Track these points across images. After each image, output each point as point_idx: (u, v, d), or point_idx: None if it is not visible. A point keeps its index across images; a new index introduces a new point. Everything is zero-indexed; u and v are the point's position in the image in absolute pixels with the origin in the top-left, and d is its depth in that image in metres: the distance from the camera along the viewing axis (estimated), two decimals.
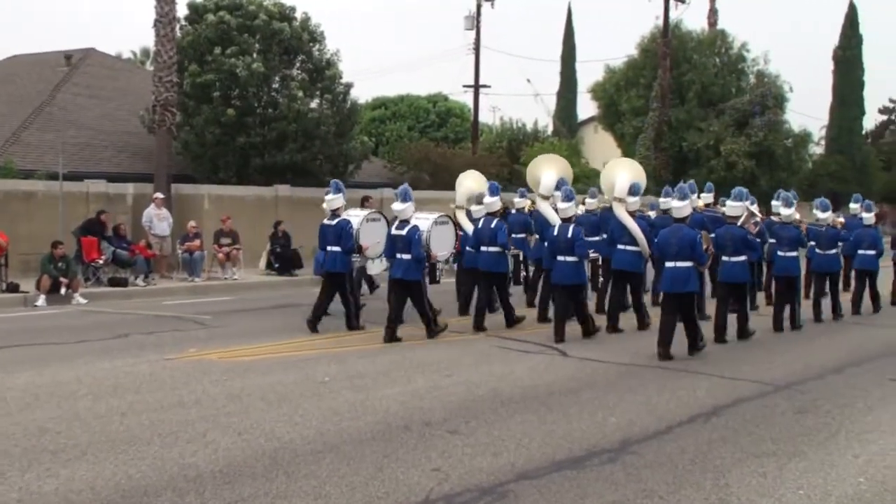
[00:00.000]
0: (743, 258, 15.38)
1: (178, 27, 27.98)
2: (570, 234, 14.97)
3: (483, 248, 16.47)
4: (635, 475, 7.71)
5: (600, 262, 18.09)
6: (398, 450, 8.30)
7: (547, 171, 18.11)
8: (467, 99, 51.64)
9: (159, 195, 24.60)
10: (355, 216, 16.66)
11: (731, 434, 9.08)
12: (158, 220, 24.08)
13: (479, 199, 17.74)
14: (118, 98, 34.73)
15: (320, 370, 12.06)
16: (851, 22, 55.59)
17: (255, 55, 29.04)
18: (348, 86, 31.38)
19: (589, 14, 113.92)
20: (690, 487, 7.43)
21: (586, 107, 59.67)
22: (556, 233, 15.32)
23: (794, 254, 17.03)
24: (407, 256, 14.94)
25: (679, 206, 14.08)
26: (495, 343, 14.63)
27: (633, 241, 16.23)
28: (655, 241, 14.68)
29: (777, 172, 43.71)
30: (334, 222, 15.97)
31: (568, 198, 15.46)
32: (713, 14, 50.71)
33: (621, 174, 17.10)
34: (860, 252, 19.38)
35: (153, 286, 22.33)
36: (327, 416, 9.52)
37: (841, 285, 19.47)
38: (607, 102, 49.31)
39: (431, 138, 46.00)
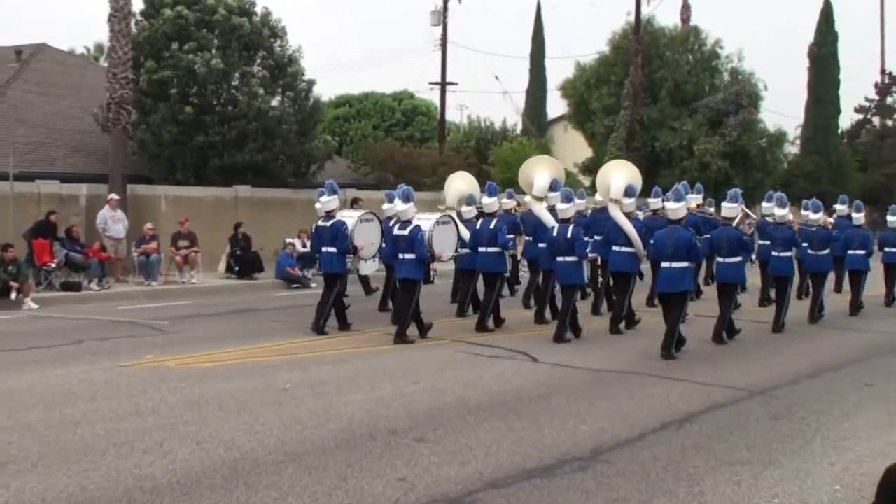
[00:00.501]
0: (738, 259, 15.88)
1: (133, 22, 27.81)
2: (569, 235, 15.58)
3: (482, 249, 16.98)
4: (607, 483, 7.73)
5: (599, 263, 18.58)
6: (362, 459, 8.28)
7: (540, 172, 18.65)
8: (434, 97, 51.44)
9: (114, 196, 24.42)
10: (349, 217, 17.06)
11: (705, 441, 9.13)
12: (113, 221, 23.91)
13: (468, 201, 18.39)
14: (71, 95, 34.49)
15: (282, 377, 12.02)
16: (827, 18, 56.00)
17: (213, 51, 28.91)
18: (310, 83, 31.33)
19: (559, 9, 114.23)
20: (663, 496, 7.47)
21: (556, 105, 59.80)
22: (555, 233, 15.92)
23: (788, 254, 17.60)
24: (410, 256, 15.42)
25: (674, 208, 14.67)
26: (463, 348, 14.64)
27: (629, 243, 16.64)
28: (651, 242, 15.14)
29: (752, 173, 44.01)
30: (329, 223, 16.42)
31: (567, 199, 16.14)
32: (686, 10, 50.94)
33: (617, 176, 17.49)
34: (850, 253, 20.08)
35: (108, 290, 22.17)
36: (289, 424, 9.49)
37: (832, 286, 20.04)
38: (578, 100, 49.45)
39: (397, 137, 45.99)
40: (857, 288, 20.23)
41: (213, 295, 22.93)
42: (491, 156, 47.09)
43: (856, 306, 20.00)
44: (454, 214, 18.58)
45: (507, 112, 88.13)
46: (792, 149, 56.95)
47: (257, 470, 7.93)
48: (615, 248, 16.78)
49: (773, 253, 17.81)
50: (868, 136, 63.48)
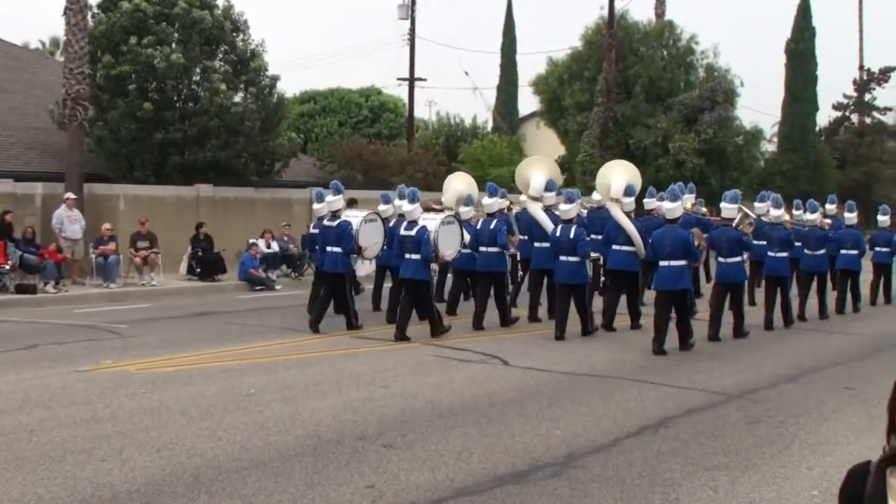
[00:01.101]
0: (739, 259, 16.73)
1: (90, 15, 27.68)
2: (572, 235, 16.28)
3: (482, 249, 17.73)
4: (581, 490, 7.75)
5: (601, 262, 19.25)
6: (329, 466, 8.27)
7: (536, 172, 19.31)
8: (402, 93, 51.38)
9: (71, 195, 24.28)
10: (354, 217, 17.68)
11: (681, 446, 9.17)
12: (70, 222, 23.78)
13: (466, 202, 19.02)
14: (25, 91, 34.25)
15: (246, 381, 11.99)
16: (804, 13, 56.34)
17: (173, 45, 28.75)
18: (274, 78, 31.27)
19: (530, 3, 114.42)
20: (639, 502, 7.50)
21: (528, 101, 60.07)
22: (558, 234, 16.61)
23: (784, 254, 18.29)
24: (416, 256, 16.03)
25: (671, 208, 15.60)
26: (433, 352, 14.65)
27: (629, 242, 17.26)
28: (650, 241, 15.85)
29: (728, 171, 44.19)
30: (335, 223, 17.08)
31: (570, 200, 16.75)
32: (660, 4, 51.04)
33: (616, 176, 18.18)
34: (843, 252, 21.02)
35: (64, 293, 22.04)
36: (253, 430, 9.47)
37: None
38: (550, 97, 49.50)
39: (364, 134, 45.98)
40: (844, 287, 20.99)
41: (173, 297, 22.84)
42: (461, 153, 47.17)
43: (841, 306, 20.71)
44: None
45: (477, 109, 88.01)
46: (769, 146, 57.27)
47: (220, 477, 7.90)
48: (615, 246, 17.41)
49: (770, 253, 18.32)
50: (846, 133, 63.96)
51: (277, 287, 24.79)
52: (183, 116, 28.85)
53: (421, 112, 69.31)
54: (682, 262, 15.11)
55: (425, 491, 7.65)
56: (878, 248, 22.64)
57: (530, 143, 58.04)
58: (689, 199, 20.56)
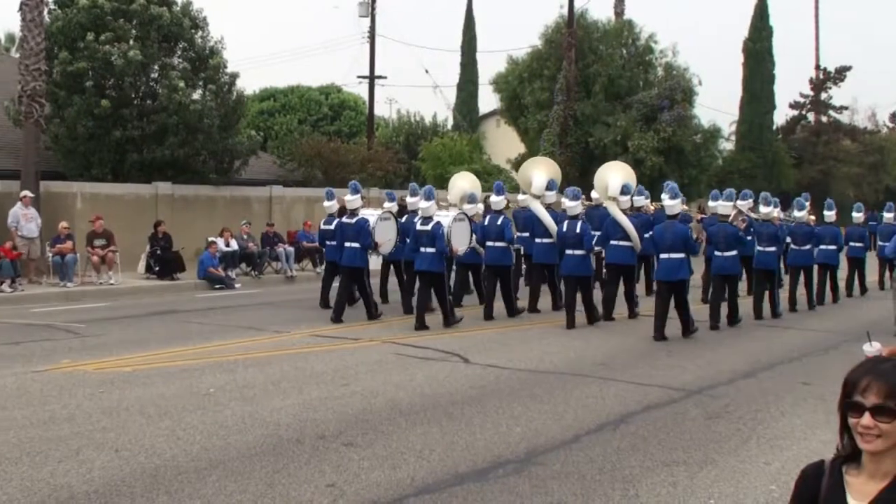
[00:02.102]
0: (734, 253, 18.07)
1: (46, 11, 27.44)
2: (578, 230, 17.73)
3: (489, 244, 19.11)
4: (541, 486, 7.77)
5: (604, 256, 20.05)
6: (290, 465, 8.25)
7: (538, 173, 20.82)
8: (362, 90, 51.61)
9: (27, 193, 24.05)
10: (370, 215, 18.78)
11: (641, 442, 9.22)
12: (26, 220, 23.56)
13: (470, 199, 19.80)
14: None
15: (205, 381, 11.93)
16: (762, 13, 56.80)
17: (131, 42, 28.57)
18: (234, 76, 31.14)
19: (490, 2, 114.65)
20: (599, 498, 7.53)
21: (488, 100, 59.97)
22: (564, 229, 18.04)
23: (772, 249, 19.69)
24: (431, 250, 17.25)
25: (671, 205, 17.03)
26: (394, 350, 14.64)
27: (627, 237, 18.41)
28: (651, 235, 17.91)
29: (686, 169, 44.46)
30: (353, 220, 18.33)
31: (575, 197, 18.23)
32: (620, 3, 51.30)
33: (613, 175, 19.69)
34: (822, 247, 22.19)
35: (21, 292, 21.83)
36: (213, 430, 9.42)
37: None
38: (510, 95, 49.59)
39: (324, 132, 45.89)
40: (823, 280, 22.42)
41: (132, 296, 22.69)
42: (421, 151, 47.16)
43: (821, 298, 22.22)
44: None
45: (437, 107, 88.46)
46: (727, 145, 57.67)
47: (180, 477, 7.86)
48: (613, 241, 18.51)
49: (759, 248, 19.69)
50: (803, 132, 64.51)
51: (237, 286, 24.69)
52: (141, 114, 28.65)
53: (381, 110, 69.12)
54: (682, 255, 16.31)
55: (386, 489, 7.64)
56: (852, 244, 24.18)
57: (490, 141, 58.17)
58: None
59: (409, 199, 20.18)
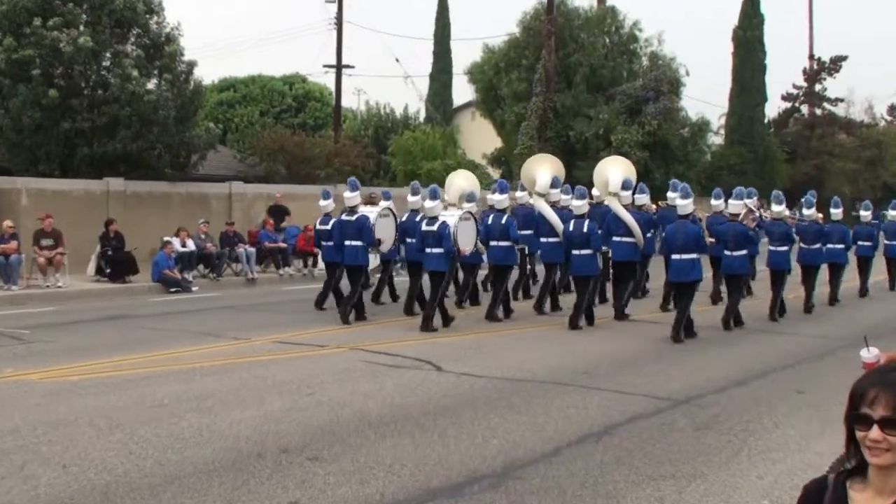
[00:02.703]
0: (744, 252, 18.65)
1: None
2: (585, 229, 18.26)
3: (493, 243, 19.57)
4: (520, 503, 7.76)
5: (610, 255, 20.95)
6: (250, 480, 8.20)
7: (542, 170, 21.60)
8: (328, 80, 51.35)
9: None
10: (370, 213, 19.43)
11: (626, 455, 9.21)
12: None
13: (469, 198, 20.31)
14: None
15: (160, 391, 11.86)
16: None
17: (81, 27, 28.43)
18: (191, 64, 31.02)
19: None
20: None
21: (463, 91, 60.04)
22: (571, 228, 18.58)
23: (784, 248, 20.38)
24: (438, 250, 17.88)
25: (683, 204, 17.71)
26: (362, 357, 14.61)
27: (629, 233, 19.54)
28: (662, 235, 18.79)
29: (673, 165, 44.66)
30: (354, 218, 18.87)
31: (581, 196, 18.88)
32: None
33: (613, 171, 20.66)
34: (830, 246, 22.78)
35: None
36: (168, 443, 9.37)
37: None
38: (486, 86, 49.68)
39: (287, 125, 45.80)
40: (836, 281, 23.18)
41: (81, 300, 22.56)
42: (391, 146, 47.15)
43: (834, 298, 23.00)
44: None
45: (409, 98, 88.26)
46: (716, 139, 57.97)
47: (132, 494, 7.80)
48: (616, 238, 19.69)
49: (770, 247, 20.50)
50: (796, 125, 64.90)
51: (194, 289, 24.60)
52: (91, 105, 28.50)
53: (349, 101, 69.01)
54: (694, 256, 17.08)
55: None
56: (860, 243, 24.96)
57: (465, 135, 58.19)
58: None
59: (410, 199, 20.68)
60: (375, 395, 11.81)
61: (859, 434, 3.05)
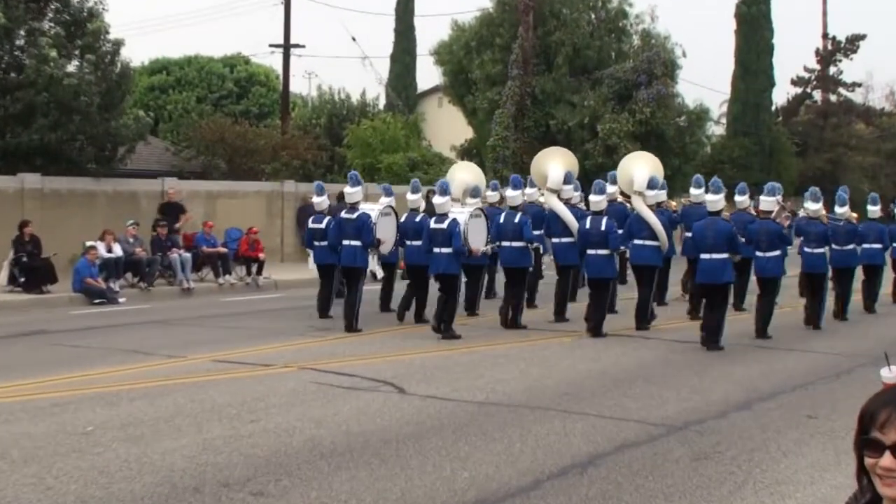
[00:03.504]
0: (777, 253, 19.27)
1: None
2: (603, 227, 18.91)
3: (506, 244, 20.20)
4: None
5: (628, 256, 21.81)
6: None
7: (553, 164, 22.54)
8: (275, 62, 51.25)
9: None
10: (371, 210, 20.04)
11: (614, 489, 9.24)
12: None
13: (473, 193, 21.47)
14: None
15: (82, 417, 11.82)
16: None
17: None
18: (118, 43, 30.92)
19: None
20: None
21: (428, 74, 60.15)
22: (588, 226, 19.24)
23: (821, 250, 21.05)
24: (447, 250, 18.53)
25: (714, 200, 18.09)
26: (313, 377, 14.59)
27: (653, 236, 20.06)
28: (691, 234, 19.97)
29: (668, 158, 44.60)
30: (354, 216, 19.44)
31: (600, 191, 19.37)
32: None
33: (639, 168, 21.25)
34: (865, 246, 23.58)
35: None
36: (92, 477, 9.34)
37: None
38: (455, 68, 49.65)
39: (228, 113, 45.73)
40: (872, 285, 24.17)
41: None
42: (347, 136, 47.09)
43: (872, 302, 24.06)
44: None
45: (367, 82, 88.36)
46: (716, 129, 58.14)
47: None
48: (637, 241, 20.22)
49: (806, 249, 20.99)
50: (808, 113, 65.20)
51: (121, 300, 24.52)
52: (3, 90, 28.40)
53: (298, 86, 69.01)
54: (725, 255, 17.54)
55: None
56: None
57: (431, 124, 58.17)
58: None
59: (410, 197, 21.08)
60: (328, 422, 11.80)
61: (869, 461, 3.01)
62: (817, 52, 64.86)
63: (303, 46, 46.65)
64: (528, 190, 22.80)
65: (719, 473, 9.85)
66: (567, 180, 22.16)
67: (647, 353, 16.95)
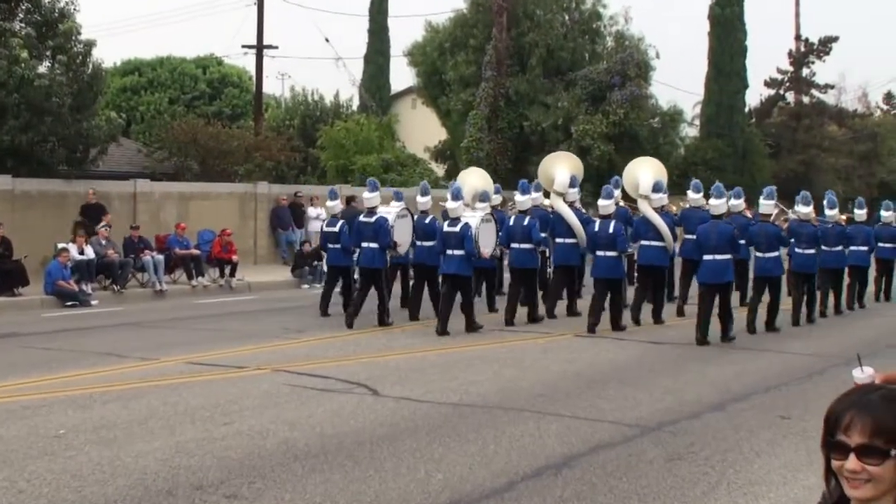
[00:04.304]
0: (776, 254, 20.31)
1: None
2: (611, 231, 19.88)
3: (514, 245, 21.33)
4: None
5: (636, 258, 22.84)
6: None
7: (560, 168, 23.24)
8: (248, 63, 51.27)
9: None
10: (388, 213, 20.98)
11: (588, 490, 9.26)
12: None
13: (482, 198, 21.79)
14: None
15: (54, 420, 11.78)
16: None
17: None
18: (89, 44, 30.78)
19: None
20: None
21: (402, 75, 60.11)
22: (596, 229, 20.27)
23: (811, 251, 21.97)
24: (459, 252, 19.43)
25: (716, 204, 19.35)
26: (287, 380, 14.58)
27: (659, 237, 21.12)
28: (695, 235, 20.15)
29: None
30: (373, 219, 20.51)
31: (608, 196, 20.42)
32: None
33: (644, 172, 22.70)
34: (853, 248, 24.49)
35: None
36: (64, 480, 9.31)
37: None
38: (429, 70, 49.68)
39: (201, 114, 45.56)
40: (856, 284, 25.15)
41: None
42: (320, 138, 47.04)
43: (860, 299, 25.28)
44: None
45: (340, 83, 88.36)
46: (690, 130, 58.23)
47: None
48: (644, 242, 21.38)
49: (797, 250, 21.85)
50: (781, 115, 65.35)
51: (94, 302, 24.45)
52: None
53: (271, 87, 68.89)
54: (727, 256, 18.53)
55: None
56: (881, 245, 26.36)
57: (405, 125, 58.14)
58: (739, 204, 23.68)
59: (419, 199, 21.92)
60: (302, 424, 11.79)
61: (835, 464, 3.03)
62: (790, 54, 65.07)
63: (276, 47, 46.61)
64: (533, 194, 23.31)
65: (693, 474, 9.88)
66: (572, 184, 22.92)
67: (621, 354, 17.02)
